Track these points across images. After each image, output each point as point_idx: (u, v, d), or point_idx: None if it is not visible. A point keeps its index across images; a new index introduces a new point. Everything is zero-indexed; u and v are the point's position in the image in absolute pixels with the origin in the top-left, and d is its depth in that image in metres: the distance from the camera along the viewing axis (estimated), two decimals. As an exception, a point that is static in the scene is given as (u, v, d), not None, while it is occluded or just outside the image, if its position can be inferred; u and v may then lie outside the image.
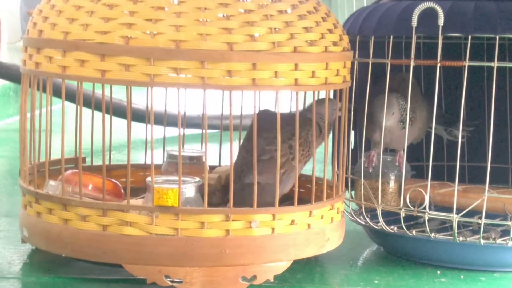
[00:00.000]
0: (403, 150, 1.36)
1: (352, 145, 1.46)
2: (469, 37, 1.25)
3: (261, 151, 1.26)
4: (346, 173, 1.36)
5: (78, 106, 1.34)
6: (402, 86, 1.36)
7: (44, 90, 1.28)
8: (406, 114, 1.35)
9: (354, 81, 1.35)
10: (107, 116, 1.28)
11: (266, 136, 1.26)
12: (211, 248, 1.16)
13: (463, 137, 1.47)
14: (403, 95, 1.36)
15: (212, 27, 1.14)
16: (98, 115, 1.38)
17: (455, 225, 1.27)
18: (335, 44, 1.22)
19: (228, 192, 1.17)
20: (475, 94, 1.51)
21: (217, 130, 1.54)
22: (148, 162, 1.49)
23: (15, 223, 1.38)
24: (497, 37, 1.24)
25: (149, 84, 1.14)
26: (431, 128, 1.34)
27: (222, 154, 1.51)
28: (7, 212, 1.58)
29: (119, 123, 1.55)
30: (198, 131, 2.30)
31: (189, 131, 2.07)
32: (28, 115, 1.28)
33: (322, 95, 1.25)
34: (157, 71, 1.13)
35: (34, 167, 1.29)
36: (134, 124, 1.52)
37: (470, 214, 1.27)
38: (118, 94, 1.65)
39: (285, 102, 1.31)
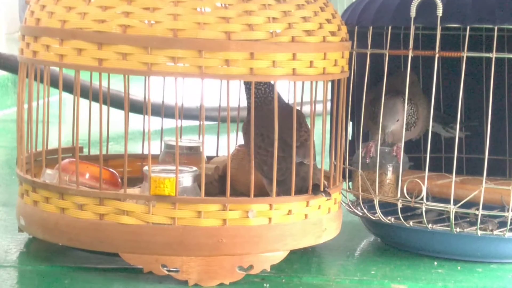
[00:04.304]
0: (401, 141, 1.36)
1: (350, 136, 1.45)
2: (468, 28, 1.24)
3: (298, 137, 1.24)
4: (344, 164, 1.36)
5: (76, 95, 1.34)
6: (404, 85, 1.35)
7: (42, 80, 1.28)
8: (412, 118, 1.37)
9: (352, 72, 1.35)
10: (104, 106, 1.28)
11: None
12: (207, 238, 1.16)
13: (460, 136, 1.48)
14: (409, 98, 1.37)
15: (210, 16, 1.13)
16: (96, 106, 1.38)
17: (452, 216, 1.27)
18: (333, 34, 1.22)
19: (225, 182, 1.17)
20: (474, 86, 1.51)
21: (215, 122, 1.54)
22: (146, 152, 1.49)
23: (13, 213, 1.38)
24: (496, 28, 1.23)
25: (146, 73, 1.14)
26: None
27: (220, 145, 1.51)
28: (5, 201, 1.58)
29: (118, 115, 1.54)
30: (196, 122, 2.31)
31: (187, 123, 2.07)
32: (26, 104, 1.27)
33: (320, 85, 1.25)
34: (155, 60, 1.13)
35: (31, 156, 1.29)
36: (132, 116, 1.52)
37: (468, 205, 1.27)
38: (117, 85, 1.65)
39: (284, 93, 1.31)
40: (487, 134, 1.26)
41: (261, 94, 1.28)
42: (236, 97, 1.44)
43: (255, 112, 1.20)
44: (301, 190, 1.21)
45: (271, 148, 1.19)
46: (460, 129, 1.46)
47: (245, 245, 1.17)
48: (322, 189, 1.21)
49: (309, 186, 1.21)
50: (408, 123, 1.39)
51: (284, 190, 1.21)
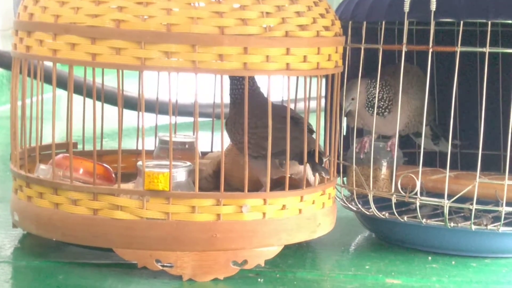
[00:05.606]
0: (395, 136, 1.36)
1: (344, 131, 1.45)
2: (461, 22, 1.24)
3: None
4: (338, 159, 1.36)
5: (69, 91, 1.34)
6: (396, 74, 1.36)
7: (35, 75, 1.28)
8: (384, 102, 1.36)
9: (346, 67, 1.35)
10: (98, 101, 1.28)
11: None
12: (202, 233, 1.16)
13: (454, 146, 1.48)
14: (386, 82, 1.36)
15: (203, 11, 1.13)
16: (90, 102, 1.38)
17: (446, 211, 1.27)
18: (327, 29, 1.22)
19: (220, 177, 1.17)
20: (468, 82, 1.51)
21: (209, 119, 1.54)
22: (140, 147, 1.49)
23: (7, 208, 1.37)
24: (489, 22, 1.23)
25: (140, 68, 1.14)
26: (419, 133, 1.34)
27: (214, 140, 1.51)
28: (-1, 197, 1.59)
29: (113, 112, 1.55)
30: (191, 119, 2.31)
31: (182, 119, 2.07)
32: (20, 100, 1.27)
33: (314, 80, 1.25)
34: (148, 55, 1.13)
35: (25, 151, 1.29)
36: (127, 112, 1.52)
37: (462, 200, 1.27)
38: (112, 82, 1.65)
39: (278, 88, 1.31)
40: (481, 129, 1.26)
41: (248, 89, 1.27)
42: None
43: (242, 105, 1.19)
44: (299, 155, 1.21)
45: (272, 122, 1.17)
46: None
47: (239, 240, 1.17)
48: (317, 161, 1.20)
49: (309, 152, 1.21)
50: (379, 107, 1.37)
51: (294, 155, 1.20)
